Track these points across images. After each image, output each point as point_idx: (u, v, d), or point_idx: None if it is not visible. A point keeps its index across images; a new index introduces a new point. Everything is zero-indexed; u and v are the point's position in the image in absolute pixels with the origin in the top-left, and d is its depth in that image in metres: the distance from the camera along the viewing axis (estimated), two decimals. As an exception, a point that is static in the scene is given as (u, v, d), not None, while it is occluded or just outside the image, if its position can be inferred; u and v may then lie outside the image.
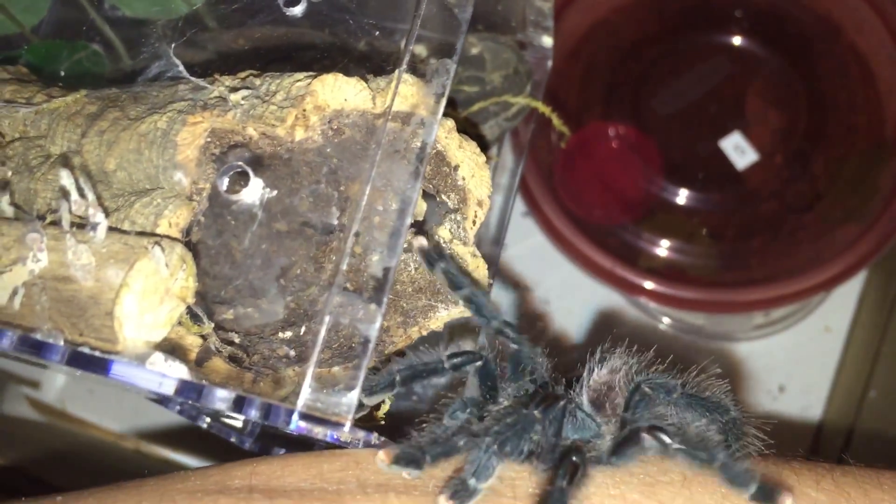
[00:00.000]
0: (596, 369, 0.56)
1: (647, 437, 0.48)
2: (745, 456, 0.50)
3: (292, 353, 0.52)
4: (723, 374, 1.05)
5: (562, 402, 0.51)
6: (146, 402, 1.07)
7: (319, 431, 0.47)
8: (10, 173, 0.54)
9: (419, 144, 0.48)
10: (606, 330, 1.12)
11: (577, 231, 1.06)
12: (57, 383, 1.10)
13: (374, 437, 0.50)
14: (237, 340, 0.55)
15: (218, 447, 1.05)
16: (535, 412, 0.49)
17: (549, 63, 0.79)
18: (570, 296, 1.14)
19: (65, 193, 0.48)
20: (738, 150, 1.07)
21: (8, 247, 0.48)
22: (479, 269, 0.59)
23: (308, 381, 0.44)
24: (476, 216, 0.58)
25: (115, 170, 0.53)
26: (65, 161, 0.52)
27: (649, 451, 0.49)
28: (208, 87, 0.52)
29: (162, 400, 0.77)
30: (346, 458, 0.51)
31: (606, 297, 1.12)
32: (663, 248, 1.07)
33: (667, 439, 0.47)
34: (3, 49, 0.71)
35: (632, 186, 1.10)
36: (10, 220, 0.51)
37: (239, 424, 0.78)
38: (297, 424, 0.44)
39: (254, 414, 0.48)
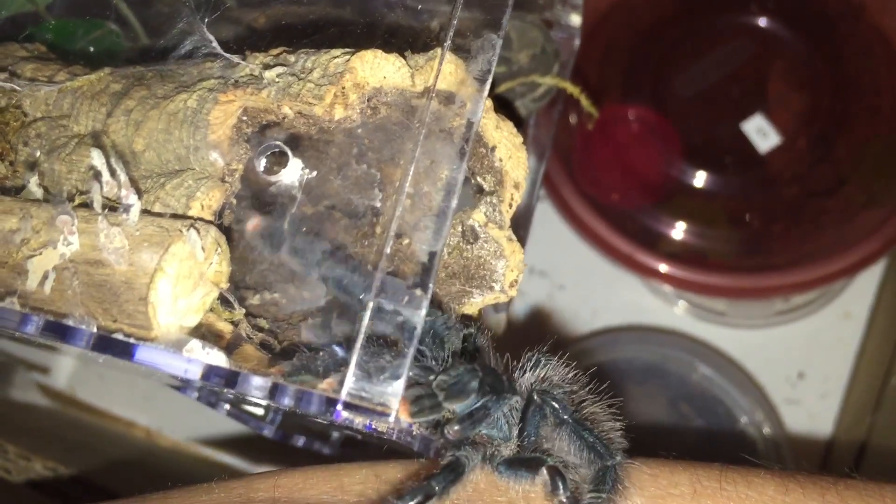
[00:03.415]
0: (528, 372, 0.54)
1: (544, 472, 0.48)
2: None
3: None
4: (740, 362, 1.05)
5: (512, 398, 0.50)
6: (156, 388, 1.06)
7: (360, 421, 0.45)
8: (38, 153, 0.52)
9: (464, 123, 0.46)
10: (623, 316, 1.11)
11: (595, 214, 1.05)
12: (67, 369, 1.08)
13: (416, 428, 0.49)
14: (266, 326, 0.53)
15: (231, 434, 1.04)
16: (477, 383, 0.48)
17: (577, 42, 0.77)
18: (587, 281, 1.12)
19: (96, 174, 0.46)
20: (761, 133, 1.05)
21: (37, 229, 0.47)
22: (516, 253, 0.57)
23: (352, 369, 0.42)
24: (513, 199, 0.56)
25: (143, 150, 0.51)
26: (95, 140, 0.50)
27: (538, 484, 0.49)
28: (241, 62, 0.50)
29: (181, 388, 0.76)
30: (366, 471, 0.52)
31: (624, 282, 1.10)
32: (683, 233, 1.06)
33: (560, 488, 0.47)
34: (14, 28, 0.69)
35: (651, 170, 1.08)
36: (39, 202, 0.49)
37: (260, 412, 0.77)
38: (339, 414, 0.43)
39: (287, 402, 0.46)
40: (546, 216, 1.10)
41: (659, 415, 1.04)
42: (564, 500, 0.47)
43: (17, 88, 0.55)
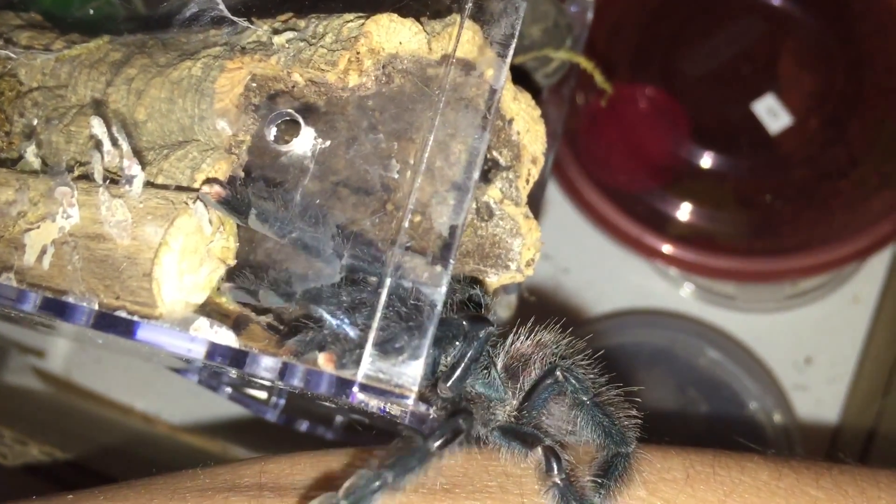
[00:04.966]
0: (522, 337, 0.53)
1: (539, 452, 0.47)
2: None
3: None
4: (748, 346, 1.04)
5: (490, 329, 0.48)
6: (154, 372, 1.04)
7: (376, 404, 0.43)
8: (36, 121, 0.49)
9: (485, 92, 0.44)
10: (629, 300, 1.09)
11: (601, 196, 1.03)
12: (62, 352, 1.06)
13: (433, 411, 0.46)
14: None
15: (230, 418, 1.03)
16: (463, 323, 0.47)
17: (590, 16, 0.74)
18: (592, 264, 1.10)
19: (97, 143, 0.44)
20: (772, 114, 1.03)
21: (35, 201, 0.44)
22: (532, 231, 0.55)
23: (368, 349, 0.40)
24: (530, 174, 0.54)
25: (145, 120, 0.49)
26: (96, 108, 0.48)
27: (530, 461, 0.48)
28: (250, 27, 0.48)
29: (181, 370, 0.74)
30: (354, 456, 0.51)
31: (630, 265, 1.08)
32: (691, 215, 1.04)
33: (555, 470, 0.46)
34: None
35: (659, 151, 1.06)
36: (37, 173, 0.47)
37: (263, 396, 0.75)
38: (355, 397, 0.40)
39: (297, 383, 0.44)
40: (550, 197, 1.07)
41: (667, 400, 1.02)
42: (559, 482, 0.46)
43: (13, 56, 0.53)
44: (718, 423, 1.01)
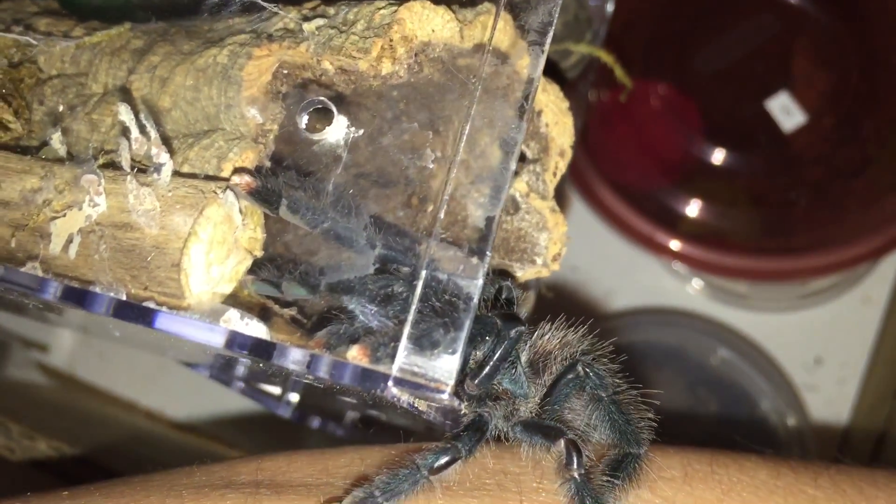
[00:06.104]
0: (548, 334, 0.52)
1: (561, 444, 0.47)
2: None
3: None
4: (759, 346, 1.03)
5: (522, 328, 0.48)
6: (158, 368, 1.03)
7: (407, 398, 0.42)
8: (62, 107, 0.48)
9: (520, 80, 0.43)
10: (639, 298, 1.08)
11: (612, 193, 1.02)
12: (66, 347, 1.05)
13: (465, 407, 0.46)
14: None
15: (234, 414, 1.02)
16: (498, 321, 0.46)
17: (610, 9, 0.73)
18: (602, 262, 1.09)
19: (124, 130, 0.43)
20: (785, 111, 1.02)
21: (61, 189, 0.43)
22: (559, 225, 0.54)
23: (404, 342, 0.39)
24: (557, 167, 0.53)
25: (169, 108, 0.48)
26: (123, 94, 0.47)
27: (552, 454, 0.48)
28: (280, 12, 0.47)
29: (193, 364, 0.73)
30: (351, 455, 0.51)
31: (640, 263, 1.07)
32: (703, 213, 1.03)
33: (575, 463, 0.46)
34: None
35: (671, 148, 1.05)
36: (62, 161, 0.45)
37: (276, 391, 0.74)
38: (390, 391, 0.40)
39: (323, 375, 0.43)
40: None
41: (677, 399, 1.01)
42: (577, 476, 0.46)
43: (33, 42, 0.51)
44: (729, 422, 1.00)
